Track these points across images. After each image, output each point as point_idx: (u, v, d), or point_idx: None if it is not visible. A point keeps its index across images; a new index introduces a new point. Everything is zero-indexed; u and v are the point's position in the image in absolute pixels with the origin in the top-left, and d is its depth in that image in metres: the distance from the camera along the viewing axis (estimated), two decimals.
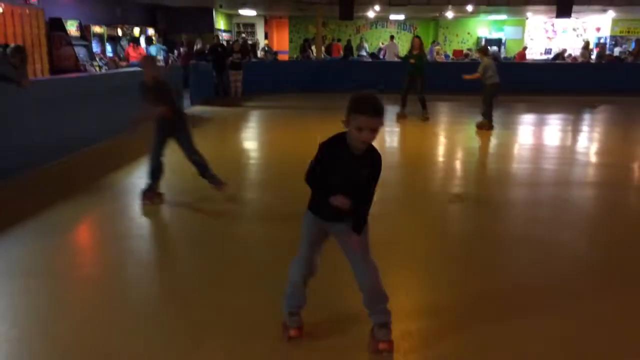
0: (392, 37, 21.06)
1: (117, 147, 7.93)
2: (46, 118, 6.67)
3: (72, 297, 3.42)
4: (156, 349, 2.79)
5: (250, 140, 9.94)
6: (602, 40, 25.74)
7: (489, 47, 11.84)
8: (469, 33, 27.13)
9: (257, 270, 3.74)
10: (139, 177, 6.56)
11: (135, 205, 5.30)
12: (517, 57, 21.28)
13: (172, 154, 5.38)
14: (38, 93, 6.60)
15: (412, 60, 10.92)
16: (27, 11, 11.73)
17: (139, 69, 11.91)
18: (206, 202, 5.36)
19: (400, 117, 11.19)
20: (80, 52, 13.22)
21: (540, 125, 11.66)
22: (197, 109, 12.73)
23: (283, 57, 21.43)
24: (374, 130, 2.42)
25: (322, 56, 19.15)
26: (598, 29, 26.47)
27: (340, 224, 2.63)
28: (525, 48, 22.58)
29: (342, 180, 2.53)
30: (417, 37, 11.56)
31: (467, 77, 10.19)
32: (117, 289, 3.52)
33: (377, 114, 2.41)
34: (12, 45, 6.82)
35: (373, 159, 2.55)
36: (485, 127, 9.80)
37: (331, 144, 2.52)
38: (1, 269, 3.76)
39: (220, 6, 20.47)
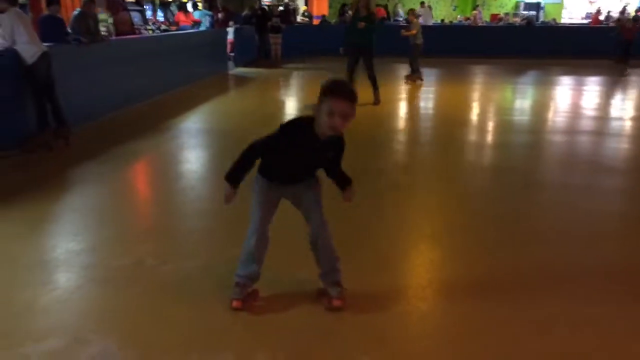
0: (422, 3, 21.51)
1: (174, 98, 9.22)
2: (117, 73, 7.89)
3: (138, 194, 4.66)
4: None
5: (287, 96, 11.03)
6: None
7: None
8: None
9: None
10: (192, 122, 7.81)
11: (188, 142, 6.54)
12: (593, 22, 20.89)
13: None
14: (109, 51, 7.83)
15: (361, 24, 8.65)
16: None
17: (190, 31, 13.10)
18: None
19: None
20: (135, 17, 14.42)
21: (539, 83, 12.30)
22: (241, 70, 13.86)
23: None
24: (346, 117, 2.33)
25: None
26: None
27: (297, 184, 2.62)
28: (598, 11, 21.80)
29: (295, 162, 2.53)
30: None
31: (405, 33, 11.60)
32: (177, 197, 4.70)
33: (352, 99, 2.32)
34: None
35: (337, 146, 2.53)
36: (418, 79, 11.54)
37: (294, 129, 2.45)
38: (94, 180, 5.00)
39: None
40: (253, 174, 2.67)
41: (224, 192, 2.54)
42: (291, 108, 9.60)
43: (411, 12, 12.20)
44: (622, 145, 6.63)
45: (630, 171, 5.58)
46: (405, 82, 11.53)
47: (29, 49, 5.61)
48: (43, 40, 6.02)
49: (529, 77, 13.52)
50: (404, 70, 12.36)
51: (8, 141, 5.55)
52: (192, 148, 6.39)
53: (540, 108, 9.40)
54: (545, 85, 12.16)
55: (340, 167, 2.65)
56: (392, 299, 2.87)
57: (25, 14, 6.30)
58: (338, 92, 2.32)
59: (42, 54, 5.66)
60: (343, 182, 2.67)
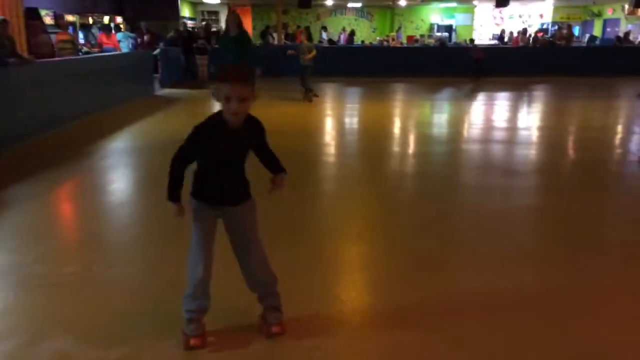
0: (324, 28, 23.86)
1: (102, 120, 9.21)
2: (44, 95, 7.86)
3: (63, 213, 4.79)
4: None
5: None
6: (544, 26, 27.74)
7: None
8: (422, 20, 28.77)
9: None
10: (121, 141, 7.89)
11: (119, 161, 6.64)
12: (513, 43, 21.81)
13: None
14: (36, 73, 7.79)
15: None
16: (7, 1, 12.69)
17: (115, 53, 13.07)
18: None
19: None
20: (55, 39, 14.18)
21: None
22: (167, 91, 13.93)
23: None
24: (243, 100, 2.33)
25: (283, 42, 20.44)
26: (541, 16, 28.46)
27: (233, 207, 2.55)
28: (519, 32, 22.60)
29: (221, 159, 2.47)
30: (234, 12, 8.27)
31: (290, 52, 12.47)
32: (114, 211, 4.86)
33: (242, 81, 2.32)
34: None
35: (255, 130, 2.52)
36: (313, 97, 11.98)
37: (205, 125, 2.42)
38: (28, 199, 5.05)
39: None
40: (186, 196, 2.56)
41: (172, 211, 2.50)
42: None
43: (300, 32, 12.70)
44: (526, 152, 7.39)
45: (532, 172, 6.28)
46: (306, 101, 11.84)
47: None
48: None
49: (443, 94, 14.47)
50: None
51: None
52: (123, 166, 6.51)
53: (455, 121, 10.18)
54: (457, 101, 13.10)
55: (270, 149, 2.66)
56: (325, 303, 3.01)
57: None
58: (227, 75, 2.34)
59: None
60: (276, 166, 2.66)
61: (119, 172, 6.26)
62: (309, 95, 11.98)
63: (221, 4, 25.69)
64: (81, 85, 9.28)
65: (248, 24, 27.58)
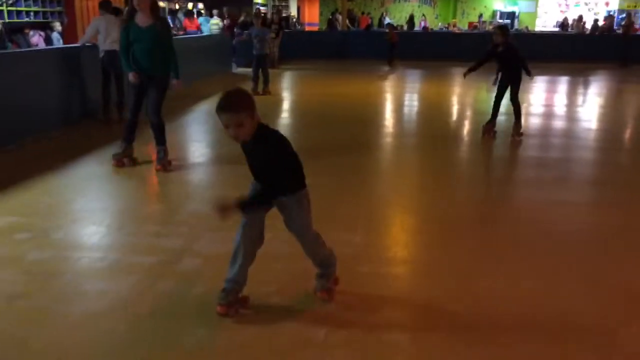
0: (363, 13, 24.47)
1: (190, 89, 11.07)
2: None
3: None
4: None
5: (281, 90, 12.94)
6: (611, 14, 27.66)
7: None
8: (485, 7, 29.36)
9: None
10: (207, 105, 9.68)
11: (208, 118, 8.44)
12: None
13: None
14: None
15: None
16: None
17: (201, 35, 14.92)
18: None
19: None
20: None
21: None
22: (242, 70, 15.74)
23: (313, 28, 24.19)
24: (238, 126, 2.40)
25: (347, 27, 21.89)
26: (607, 3, 28.36)
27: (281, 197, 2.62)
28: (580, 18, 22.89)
29: (249, 165, 2.65)
30: None
31: (243, 38, 11.82)
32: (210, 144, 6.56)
33: (227, 111, 2.40)
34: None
35: (262, 149, 2.51)
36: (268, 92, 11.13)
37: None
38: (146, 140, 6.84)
39: None
40: None
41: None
42: (286, 99, 11.50)
43: (256, 13, 11.78)
44: (547, 122, 8.54)
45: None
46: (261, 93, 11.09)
47: (100, 47, 7.52)
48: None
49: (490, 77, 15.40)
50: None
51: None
52: (212, 120, 8.22)
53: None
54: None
55: (270, 176, 2.57)
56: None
57: (115, 20, 7.61)
58: (217, 107, 2.43)
59: (104, 52, 7.47)
60: (247, 199, 2.61)
61: (210, 124, 8.02)
62: (267, 89, 11.16)
63: None
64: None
65: (315, 10, 29.11)
